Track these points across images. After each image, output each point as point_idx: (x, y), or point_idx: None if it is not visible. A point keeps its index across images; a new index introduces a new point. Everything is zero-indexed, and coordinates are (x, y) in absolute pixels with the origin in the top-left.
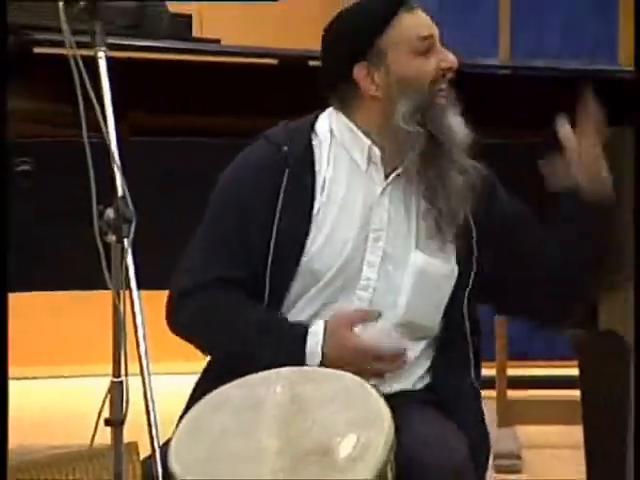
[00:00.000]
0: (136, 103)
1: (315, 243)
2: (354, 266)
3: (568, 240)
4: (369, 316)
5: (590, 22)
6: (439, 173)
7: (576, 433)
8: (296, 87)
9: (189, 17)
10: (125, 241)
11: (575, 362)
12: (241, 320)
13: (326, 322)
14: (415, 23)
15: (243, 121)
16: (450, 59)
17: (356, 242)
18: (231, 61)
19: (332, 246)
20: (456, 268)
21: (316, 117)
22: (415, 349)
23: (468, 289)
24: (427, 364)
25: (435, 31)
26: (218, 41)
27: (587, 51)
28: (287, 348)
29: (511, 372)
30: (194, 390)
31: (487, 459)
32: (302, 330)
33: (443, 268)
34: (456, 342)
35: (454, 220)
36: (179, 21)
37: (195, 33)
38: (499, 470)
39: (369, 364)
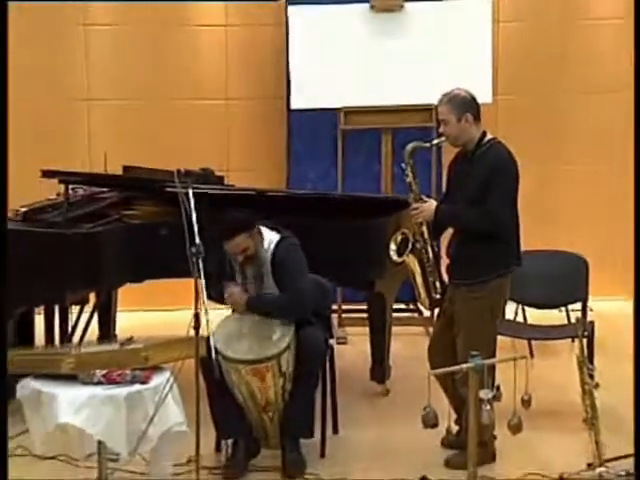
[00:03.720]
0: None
1: None
2: None
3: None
4: None
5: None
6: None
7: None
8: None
9: (223, 177)
10: (198, 258)
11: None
12: None
13: None
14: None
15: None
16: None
17: None
18: (237, 193)
19: None
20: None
21: None
22: None
23: None
24: None
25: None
26: (233, 186)
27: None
28: None
29: (344, 307)
30: None
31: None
32: None
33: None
34: None
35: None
36: (220, 177)
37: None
38: (339, 342)
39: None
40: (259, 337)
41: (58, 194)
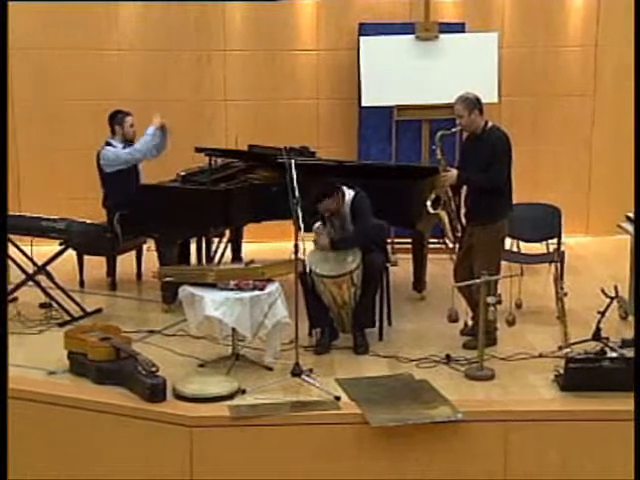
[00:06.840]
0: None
1: None
2: None
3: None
4: None
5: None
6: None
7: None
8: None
9: (315, 152)
10: (297, 207)
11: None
12: None
13: None
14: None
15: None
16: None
17: None
18: (324, 163)
19: None
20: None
21: None
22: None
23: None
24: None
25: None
26: (321, 158)
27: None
28: None
29: (396, 240)
30: None
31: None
32: None
33: None
34: None
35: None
36: (313, 152)
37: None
38: (392, 265)
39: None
40: (337, 260)
41: (207, 163)
